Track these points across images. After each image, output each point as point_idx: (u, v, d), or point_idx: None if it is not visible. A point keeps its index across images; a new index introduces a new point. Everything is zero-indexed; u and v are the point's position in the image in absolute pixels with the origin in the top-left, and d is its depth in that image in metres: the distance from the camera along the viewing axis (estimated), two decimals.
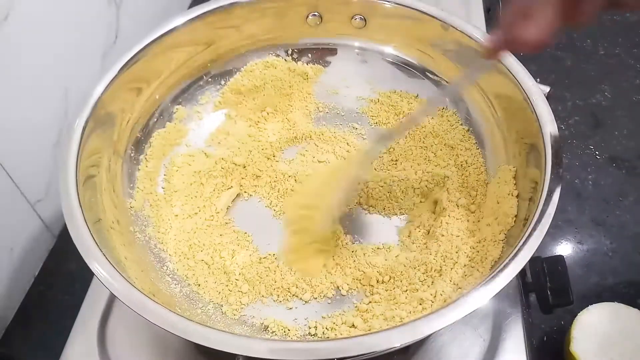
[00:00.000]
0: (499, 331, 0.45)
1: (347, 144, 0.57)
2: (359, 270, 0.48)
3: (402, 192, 0.53)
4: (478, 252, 0.46)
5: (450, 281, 0.45)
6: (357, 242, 0.51)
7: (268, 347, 0.33)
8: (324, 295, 0.47)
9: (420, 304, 0.43)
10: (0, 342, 0.52)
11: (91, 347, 0.46)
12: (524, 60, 0.48)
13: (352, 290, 0.47)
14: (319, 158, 0.56)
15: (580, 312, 0.48)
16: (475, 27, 0.52)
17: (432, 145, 0.56)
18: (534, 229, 0.38)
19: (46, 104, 0.54)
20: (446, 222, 0.49)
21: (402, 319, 0.42)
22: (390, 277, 0.47)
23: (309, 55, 0.61)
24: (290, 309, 0.46)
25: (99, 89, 0.48)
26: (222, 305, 0.46)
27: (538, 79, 0.47)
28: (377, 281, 0.47)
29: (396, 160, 0.56)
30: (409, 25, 0.56)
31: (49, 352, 0.49)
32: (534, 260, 0.47)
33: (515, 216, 0.45)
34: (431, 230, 0.50)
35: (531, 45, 0.32)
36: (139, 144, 0.53)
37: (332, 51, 0.62)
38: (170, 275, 0.47)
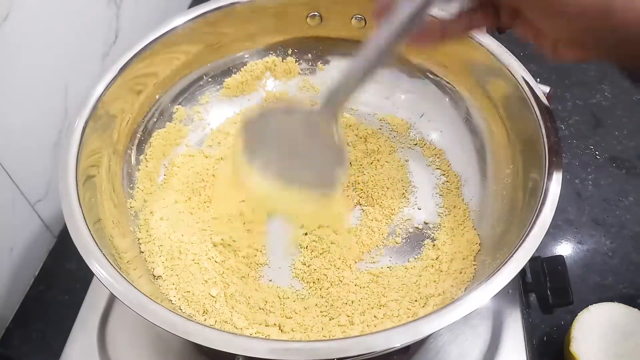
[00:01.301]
0: (499, 331, 0.45)
1: (347, 144, 0.57)
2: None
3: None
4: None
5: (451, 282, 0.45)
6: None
7: (268, 347, 0.33)
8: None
9: (423, 305, 0.44)
10: (0, 342, 0.52)
11: (91, 347, 0.46)
12: (524, 60, 0.48)
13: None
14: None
15: (580, 312, 0.48)
16: None
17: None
18: (533, 229, 0.38)
19: (46, 104, 0.55)
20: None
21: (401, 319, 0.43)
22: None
23: (309, 55, 0.61)
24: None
25: (99, 89, 0.48)
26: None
27: (538, 79, 0.47)
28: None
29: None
30: None
31: (49, 352, 0.49)
32: (534, 260, 0.47)
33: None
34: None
35: None
36: (139, 144, 0.53)
37: (332, 51, 0.62)
38: None
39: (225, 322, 0.44)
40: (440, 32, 0.37)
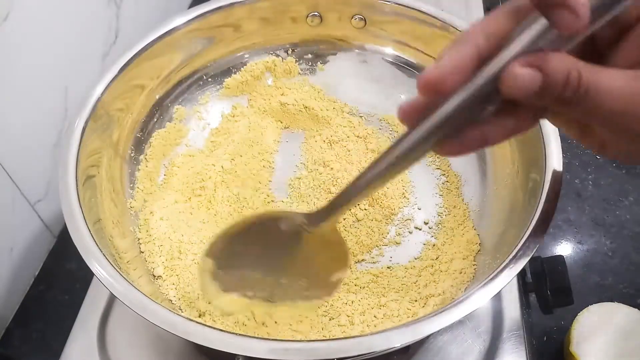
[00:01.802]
0: (499, 331, 0.45)
1: (346, 147, 0.57)
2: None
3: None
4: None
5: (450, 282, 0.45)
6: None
7: (268, 347, 0.33)
8: None
9: (423, 305, 0.44)
10: (0, 342, 0.52)
11: (91, 347, 0.46)
12: None
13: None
14: (322, 158, 0.56)
15: (580, 312, 0.48)
16: None
17: None
18: (534, 229, 0.38)
19: (46, 104, 0.54)
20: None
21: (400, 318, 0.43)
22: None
23: (309, 55, 0.61)
24: None
25: (99, 89, 0.48)
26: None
27: None
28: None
29: None
30: (409, 25, 0.56)
31: (49, 352, 0.49)
32: (534, 260, 0.47)
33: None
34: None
35: None
36: (139, 144, 0.53)
37: (332, 51, 0.62)
38: None
39: (224, 322, 0.44)
40: (479, 139, 0.26)
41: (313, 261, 0.36)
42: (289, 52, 0.61)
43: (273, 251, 0.37)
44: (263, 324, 0.43)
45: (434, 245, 0.49)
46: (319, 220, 0.33)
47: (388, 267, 0.48)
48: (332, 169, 0.55)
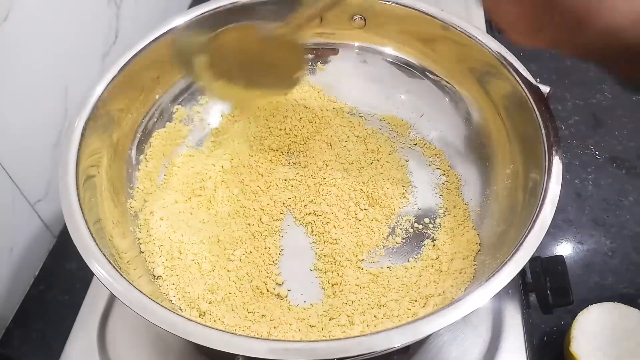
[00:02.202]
0: (499, 331, 0.45)
1: (346, 147, 0.57)
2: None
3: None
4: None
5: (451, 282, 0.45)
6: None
7: (268, 347, 0.33)
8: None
9: (423, 305, 0.44)
10: (0, 342, 0.52)
11: (91, 347, 0.46)
12: (524, 60, 0.48)
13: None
14: (322, 158, 0.56)
15: (580, 312, 0.48)
16: (475, 27, 0.52)
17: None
18: (533, 229, 0.38)
19: (46, 104, 0.55)
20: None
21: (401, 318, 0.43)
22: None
23: (309, 55, 0.61)
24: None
25: (99, 89, 0.48)
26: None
27: (538, 79, 0.47)
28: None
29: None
30: (409, 25, 0.56)
31: (49, 352, 0.49)
32: (533, 260, 0.47)
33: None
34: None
35: None
36: (139, 144, 0.53)
37: (332, 51, 0.61)
38: None
39: (224, 322, 0.44)
40: None
41: (278, 62, 0.49)
42: None
43: (249, 54, 0.49)
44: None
45: (434, 245, 0.49)
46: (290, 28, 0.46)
47: (388, 267, 0.48)
48: (332, 169, 0.54)
